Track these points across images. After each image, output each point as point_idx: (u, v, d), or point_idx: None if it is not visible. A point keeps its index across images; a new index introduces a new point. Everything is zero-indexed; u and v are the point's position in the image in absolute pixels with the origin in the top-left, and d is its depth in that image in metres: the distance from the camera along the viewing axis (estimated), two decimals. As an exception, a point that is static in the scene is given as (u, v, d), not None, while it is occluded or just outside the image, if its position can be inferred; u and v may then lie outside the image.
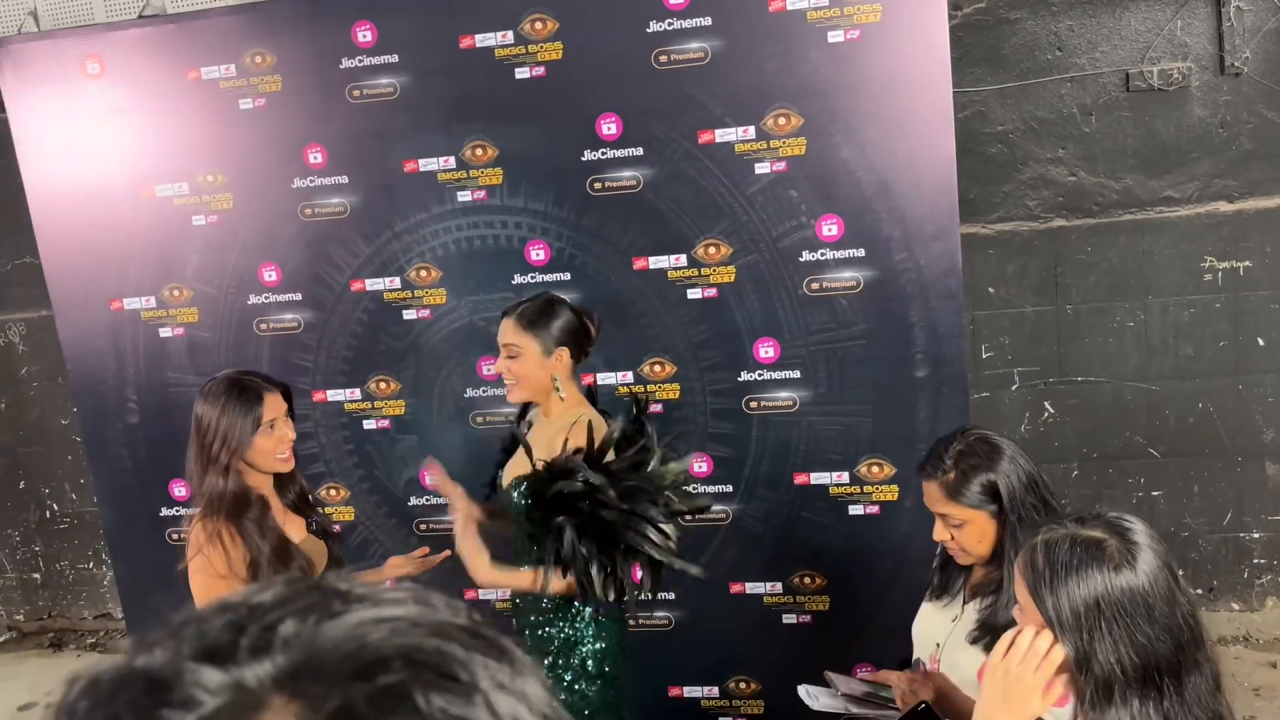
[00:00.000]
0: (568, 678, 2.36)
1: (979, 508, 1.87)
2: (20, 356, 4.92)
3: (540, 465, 2.30)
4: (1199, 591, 4.13)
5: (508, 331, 2.40)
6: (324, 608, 0.44)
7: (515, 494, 2.35)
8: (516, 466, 2.40)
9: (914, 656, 2.07)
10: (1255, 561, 4.13)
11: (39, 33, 3.60)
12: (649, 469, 2.34)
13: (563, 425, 2.35)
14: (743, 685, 3.22)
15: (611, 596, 2.27)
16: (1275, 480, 4.06)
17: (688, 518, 2.42)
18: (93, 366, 3.38)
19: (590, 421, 2.32)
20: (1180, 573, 1.38)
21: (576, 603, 2.36)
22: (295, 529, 2.45)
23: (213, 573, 2.24)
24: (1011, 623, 1.82)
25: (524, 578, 2.32)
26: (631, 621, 3.21)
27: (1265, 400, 4.01)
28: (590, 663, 2.38)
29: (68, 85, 3.22)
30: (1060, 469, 4.15)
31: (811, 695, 2.02)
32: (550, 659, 2.38)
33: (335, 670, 0.41)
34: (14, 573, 5.16)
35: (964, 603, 1.98)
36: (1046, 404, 4.14)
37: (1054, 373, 4.11)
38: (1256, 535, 4.11)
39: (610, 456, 2.32)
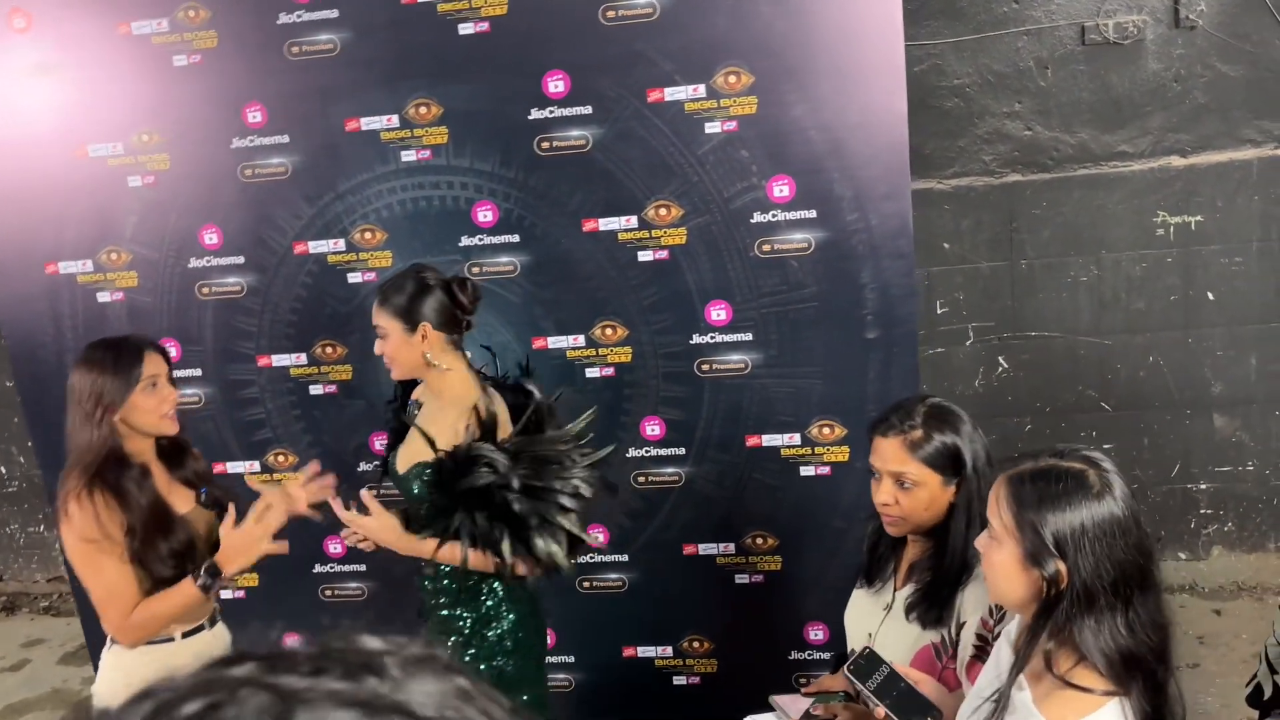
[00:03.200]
0: (483, 657, 2.34)
1: (937, 471, 1.85)
2: (-40, 316, 4.80)
3: (443, 454, 2.26)
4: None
5: (374, 313, 2.34)
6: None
7: (416, 481, 2.32)
8: (413, 452, 2.35)
9: (849, 647, 2.06)
10: (1202, 512, 4.19)
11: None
12: (549, 431, 2.35)
13: (461, 410, 2.30)
14: (696, 644, 3.24)
15: (525, 571, 2.29)
16: (1222, 433, 4.12)
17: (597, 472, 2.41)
18: (31, 331, 3.29)
19: (478, 406, 2.29)
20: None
21: (485, 582, 2.36)
22: (182, 500, 2.35)
23: (78, 535, 2.14)
24: (950, 595, 1.84)
25: (427, 546, 2.31)
26: (587, 584, 3.23)
27: (1214, 354, 4.05)
28: (506, 639, 2.37)
29: (-7, 40, 3.10)
30: (1014, 423, 4.18)
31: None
32: (464, 639, 2.35)
33: None
34: (-38, 536, 5.09)
35: (894, 590, 1.97)
36: (1000, 359, 4.16)
37: (1008, 328, 4.13)
38: (1203, 486, 4.17)
39: (508, 431, 2.32)
